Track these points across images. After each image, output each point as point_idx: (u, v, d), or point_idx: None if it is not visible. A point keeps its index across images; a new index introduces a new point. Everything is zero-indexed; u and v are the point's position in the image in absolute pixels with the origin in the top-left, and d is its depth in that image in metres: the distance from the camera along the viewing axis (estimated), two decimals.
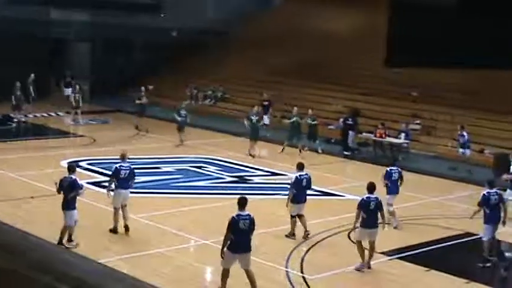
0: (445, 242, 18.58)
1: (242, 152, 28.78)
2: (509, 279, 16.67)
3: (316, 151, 29.58)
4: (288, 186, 23.51)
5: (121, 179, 17.55)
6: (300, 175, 18.09)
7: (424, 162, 28.51)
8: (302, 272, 15.76)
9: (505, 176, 21.82)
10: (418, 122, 32.43)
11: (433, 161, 29.24)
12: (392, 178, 19.18)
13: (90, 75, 43.01)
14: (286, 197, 18.27)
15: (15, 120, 34.44)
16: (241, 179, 25.01)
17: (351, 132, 30.35)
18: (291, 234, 17.96)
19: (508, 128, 29.24)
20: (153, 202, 20.78)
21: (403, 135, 30.06)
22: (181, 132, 29.97)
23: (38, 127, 34.26)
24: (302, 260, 16.56)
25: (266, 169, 26.37)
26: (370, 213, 15.85)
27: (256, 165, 26.96)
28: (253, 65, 42.92)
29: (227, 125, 35.55)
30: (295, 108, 30.29)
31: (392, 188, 19.14)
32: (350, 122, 30.57)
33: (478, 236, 18.30)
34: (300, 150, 28.85)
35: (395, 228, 18.91)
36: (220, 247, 13.84)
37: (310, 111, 30.19)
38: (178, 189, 23.18)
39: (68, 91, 39.97)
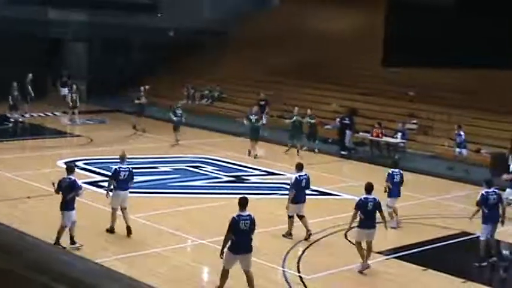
0: (442, 242, 18.59)
1: (239, 152, 28.78)
2: (508, 279, 16.65)
3: (313, 151, 29.60)
4: (285, 186, 23.78)
5: (120, 181, 17.49)
6: (299, 175, 18.07)
7: (421, 162, 28.53)
8: (299, 272, 15.76)
9: (505, 176, 21.83)
10: (414, 121, 32.46)
11: (430, 160, 29.27)
12: (394, 180, 19.15)
13: (87, 75, 42.99)
14: (282, 196, 18.26)
15: (12, 120, 34.40)
16: (238, 179, 25.01)
17: (348, 132, 30.36)
18: (288, 234, 17.96)
19: (505, 127, 29.27)
20: (150, 202, 20.77)
21: (399, 134, 30.07)
22: (177, 131, 29.94)
23: (34, 127, 34.22)
24: (299, 259, 16.57)
25: (263, 169, 26.37)
26: (368, 214, 15.82)
27: (254, 165, 26.95)
28: (250, 64, 42.92)
29: (224, 125, 35.56)
30: (296, 108, 30.22)
31: (394, 190, 19.11)
32: (347, 121, 30.57)
33: (475, 236, 18.34)
34: (298, 151, 28.84)
35: (393, 228, 18.88)
36: (217, 246, 13.81)
37: (308, 111, 30.19)
38: (176, 188, 23.18)
39: (65, 91, 40.04)
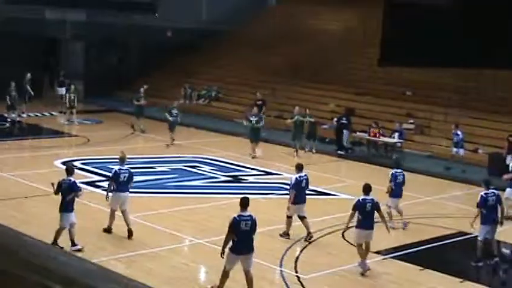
0: (439, 241, 18.60)
1: (237, 152, 28.79)
2: (506, 279, 16.66)
3: (311, 150, 29.59)
4: (283, 185, 23.78)
5: (120, 183, 17.40)
6: (299, 176, 18.03)
7: (418, 162, 28.52)
8: (296, 272, 15.77)
9: (506, 176, 21.85)
10: (411, 121, 32.47)
11: (427, 160, 29.28)
12: (397, 181, 19.09)
13: (84, 75, 42.96)
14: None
15: (9, 120, 34.37)
16: (236, 179, 25.00)
17: (345, 132, 30.37)
18: (285, 234, 17.95)
19: (502, 127, 29.28)
20: (147, 202, 20.76)
21: (396, 134, 30.08)
22: (173, 132, 29.86)
23: (32, 127, 34.20)
24: (296, 259, 16.57)
25: (261, 168, 26.37)
26: (366, 215, 15.79)
27: (251, 164, 26.95)
28: (247, 64, 42.91)
29: (221, 125, 35.57)
30: (297, 107, 30.15)
31: (396, 191, 19.03)
32: (344, 121, 30.58)
33: (473, 235, 18.35)
34: (297, 151, 28.81)
35: (391, 228, 18.83)
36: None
37: (307, 110, 30.17)
38: (173, 188, 23.17)
39: (62, 90, 39.96)
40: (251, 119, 28.76)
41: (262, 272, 14.88)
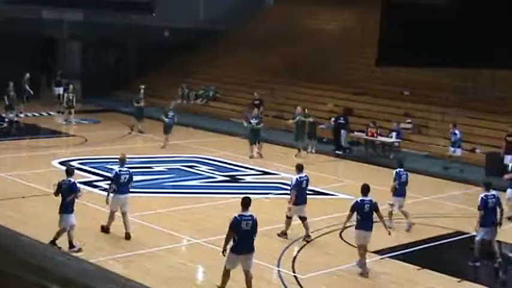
0: (437, 241, 18.61)
1: (234, 152, 28.80)
2: (504, 278, 16.64)
3: (311, 151, 29.57)
4: (280, 185, 23.79)
5: (121, 184, 17.32)
6: (300, 177, 17.99)
7: (416, 161, 28.52)
8: (294, 272, 15.76)
9: (506, 176, 21.86)
10: (409, 121, 32.48)
11: (425, 160, 29.29)
12: (401, 180, 19.03)
13: (81, 75, 42.94)
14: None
15: (7, 120, 34.36)
16: (233, 179, 24.99)
17: (343, 131, 30.37)
18: (283, 234, 17.93)
19: (500, 127, 29.29)
20: (145, 202, 20.73)
21: (394, 134, 30.10)
22: (167, 134, 29.65)
23: (29, 127, 34.17)
24: (294, 259, 16.57)
25: (258, 168, 26.37)
26: (365, 216, 15.76)
27: (249, 164, 26.95)
28: (245, 64, 42.91)
29: (219, 125, 35.58)
30: (299, 107, 30.06)
31: (400, 190, 18.98)
32: (342, 121, 30.59)
33: (470, 235, 18.38)
34: (299, 151, 28.78)
35: (390, 228, 18.81)
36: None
37: (306, 110, 30.12)
38: (170, 188, 23.15)
39: (59, 90, 39.96)
40: (251, 121, 28.64)
41: (260, 271, 14.87)
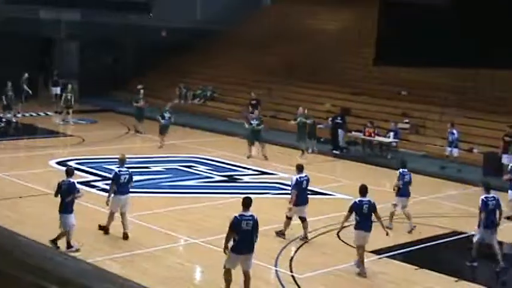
0: (434, 241, 18.61)
1: (232, 151, 28.78)
2: (501, 278, 16.63)
3: (313, 151, 29.50)
4: (278, 185, 23.79)
5: (120, 184, 17.24)
6: (300, 177, 17.90)
7: (413, 161, 28.48)
8: (291, 271, 15.76)
9: (506, 177, 21.86)
10: (407, 121, 32.49)
11: (422, 159, 29.28)
12: (405, 180, 18.95)
13: (79, 75, 42.91)
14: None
15: (4, 120, 34.34)
16: (231, 179, 24.98)
17: (340, 131, 30.38)
18: (281, 234, 17.89)
19: (497, 127, 29.31)
20: (142, 202, 20.69)
21: (391, 134, 30.10)
22: (163, 135, 29.54)
23: (27, 127, 34.14)
24: (291, 259, 16.56)
25: (256, 168, 26.36)
26: (363, 217, 15.71)
27: (246, 164, 26.94)
28: (242, 64, 42.91)
29: (217, 125, 35.57)
30: (300, 108, 29.96)
31: (404, 190, 18.91)
32: (339, 120, 30.59)
33: (467, 235, 18.40)
34: (303, 151, 28.74)
35: (389, 228, 18.75)
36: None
37: (305, 110, 30.01)
38: (168, 188, 23.13)
39: (56, 90, 39.94)
40: (252, 122, 28.50)
41: (257, 271, 14.85)
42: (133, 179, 17.83)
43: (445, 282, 15.66)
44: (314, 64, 40.14)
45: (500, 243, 17.22)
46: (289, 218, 17.89)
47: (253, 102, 34.68)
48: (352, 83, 37.53)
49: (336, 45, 41.50)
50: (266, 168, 26.35)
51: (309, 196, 18.30)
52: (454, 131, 27.20)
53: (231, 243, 13.69)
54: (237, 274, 14.02)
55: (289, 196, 18.12)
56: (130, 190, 17.72)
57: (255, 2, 51.15)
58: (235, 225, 13.56)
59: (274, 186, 23.74)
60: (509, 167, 22.00)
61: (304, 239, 17.81)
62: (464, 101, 32.70)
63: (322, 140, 31.42)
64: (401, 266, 16.59)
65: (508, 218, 19.89)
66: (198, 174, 25.26)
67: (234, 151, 28.85)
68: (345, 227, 16.50)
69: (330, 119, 31.09)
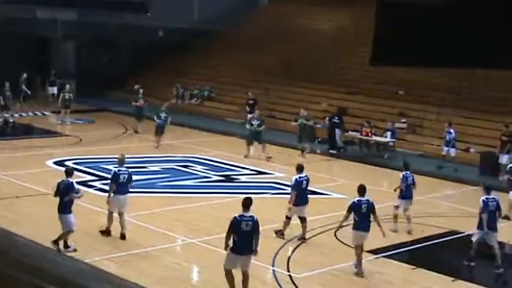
0: (432, 240, 18.62)
1: (229, 151, 28.79)
2: (498, 277, 16.63)
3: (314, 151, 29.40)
4: (275, 185, 23.80)
5: (120, 184, 17.21)
6: (299, 177, 17.88)
7: (410, 161, 28.39)
8: (288, 271, 15.76)
9: (505, 177, 21.88)
10: (404, 120, 32.52)
11: (419, 159, 29.29)
12: (408, 182, 18.85)
13: (75, 75, 42.88)
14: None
15: (1, 120, 34.30)
16: (228, 178, 24.98)
17: (337, 131, 30.38)
18: (281, 234, 17.87)
19: (494, 126, 29.35)
20: (139, 201, 20.67)
21: (389, 133, 30.12)
22: (159, 135, 29.44)
23: (24, 127, 34.13)
24: (289, 258, 16.57)
25: (253, 168, 26.36)
26: (362, 216, 15.69)
27: (244, 164, 26.93)
28: (239, 64, 42.92)
29: (214, 124, 35.57)
30: (302, 110, 29.72)
31: (407, 192, 18.83)
32: (336, 120, 30.60)
33: (465, 234, 18.42)
34: (303, 151, 28.74)
35: (393, 231, 18.76)
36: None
37: (305, 111, 29.86)
38: (165, 188, 23.12)
39: (53, 90, 39.90)
40: (253, 122, 28.40)
41: (255, 271, 14.85)
42: (133, 179, 17.77)
43: (442, 282, 15.67)
44: (311, 64, 40.17)
45: (501, 243, 17.24)
46: (288, 218, 17.88)
47: (251, 102, 34.67)
48: (349, 82, 37.55)
49: (332, 45, 41.53)
50: (263, 168, 26.35)
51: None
52: (452, 131, 27.23)
53: (231, 242, 13.66)
54: (235, 273, 14.01)
55: (288, 196, 18.12)
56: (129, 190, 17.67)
57: (252, 2, 51.16)
58: (235, 226, 13.54)
59: (271, 186, 23.74)
60: (508, 167, 21.99)
61: (302, 239, 17.82)
62: (460, 101, 32.76)
63: (319, 139, 31.41)
64: (398, 266, 16.61)
65: (505, 217, 19.90)
66: (195, 174, 25.26)
67: (231, 151, 28.86)
68: (342, 226, 16.51)
69: (327, 118, 31.09)
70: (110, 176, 17.69)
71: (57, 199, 16.20)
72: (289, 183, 18.85)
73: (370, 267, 16.09)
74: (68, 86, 35.78)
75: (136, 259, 16.10)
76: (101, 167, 24.94)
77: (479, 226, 16.56)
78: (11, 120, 34.72)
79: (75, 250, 16.01)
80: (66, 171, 16.67)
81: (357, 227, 15.79)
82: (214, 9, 47.14)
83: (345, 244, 17.18)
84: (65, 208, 16.04)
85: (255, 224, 13.64)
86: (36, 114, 37.24)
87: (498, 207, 16.80)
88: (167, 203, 20.89)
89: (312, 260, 16.67)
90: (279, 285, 15.01)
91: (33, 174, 23.63)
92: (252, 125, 28.35)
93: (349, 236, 16.25)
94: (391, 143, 30.00)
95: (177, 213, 20.02)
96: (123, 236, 17.14)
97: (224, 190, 23.09)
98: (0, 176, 23.15)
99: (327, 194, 23.02)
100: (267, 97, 38.01)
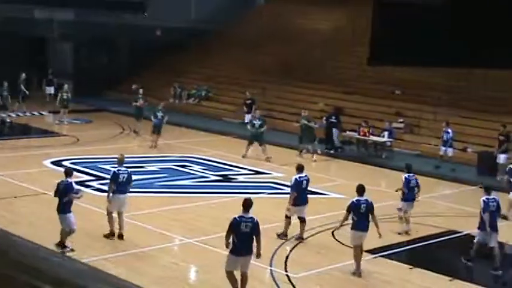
0: (429, 240, 18.63)
1: (227, 151, 28.79)
2: (496, 277, 16.64)
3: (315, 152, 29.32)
4: (273, 185, 23.80)
5: (120, 183, 17.19)
6: (299, 177, 17.83)
7: (408, 161, 28.44)
8: (286, 271, 15.76)
9: (505, 177, 21.89)
10: (401, 120, 32.54)
11: (417, 159, 29.30)
12: (410, 185, 18.72)
13: (73, 74, 42.86)
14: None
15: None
16: (226, 178, 24.97)
17: (334, 130, 30.39)
18: (283, 235, 17.83)
19: (492, 126, 29.38)
20: (137, 201, 20.66)
21: (386, 133, 30.13)
22: (155, 134, 29.36)
23: (21, 126, 34.11)
24: (286, 258, 16.57)
25: (250, 168, 26.36)
26: (360, 216, 15.67)
27: (241, 164, 26.93)
28: (237, 64, 42.93)
29: (211, 124, 35.57)
30: (304, 111, 29.50)
31: (409, 195, 18.72)
32: (333, 120, 30.60)
33: (462, 234, 18.44)
34: (301, 152, 28.73)
35: (406, 233, 18.71)
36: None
37: (306, 112, 29.78)
38: (163, 188, 23.11)
39: (50, 90, 39.87)
40: (254, 122, 28.26)
41: (252, 271, 14.85)
42: (132, 179, 17.75)
43: (439, 282, 15.69)
44: (308, 63, 40.18)
45: (500, 243, 17.23)
46: (288, 218, 17.87)
47: (248, 102, 34.67)
48: (346, 82, 37.57)
49: (329, 45, 41.55)
50: (261, 168, 26.35)
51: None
52: (449, 130, 27.25)
53: (230, 240, 13.65)
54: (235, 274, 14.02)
55: (286, 196, 18.10)
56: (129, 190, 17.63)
57: (249, 2, 51.18)
58: (234, 227, 13.52)
59: (269, 186, 23.75)
60: (508, 168, 21.98)
61: (300, 238, 17.81)
62: (457, 101, 32.78)
63: (316, 139, 31.41)
64: (396, 266, 16.61)
65: (503, 217, 19.91)
66: (193, 173, 25.26)
67: (228, 151, 28.86)
68: (342, 225, 16.47)
69: (324, 118, 31.09)
70: (108, 176, 17.67)
71: (55, 199, 16.20)
72: (286, 183, 18.87)
73: (367, 267, 16.09)
74: (65, 86, 35.76)
75: (133, 259, 16.10)
76: (98, 167, 24.93)
77: (481, 227, 16.52)
78: (8, 120, 34.71)
79: (72, 250, 16.01)
80: (65, 172, 16.66)
81: (355, 227, 15.77)
82: (212, 8, 47.16)
83: (343, 244, 17.19)
84: (64, 208, 16.03)
85: (255, 225, 13.60)
86: (33, 114, 37.22)
87: (498, 207, 16.81)
88: (164, 203, 20.89)
89: (309, 259, 16.67)
90: (277, 285, 15.02)
91: (30, 174, 23.61)
92: (253, 125, 28.21)
93: (347, 236, 16.25)
94: (389, 143, 30.01)
95: (174, 213, 20.01)
96: (120, 236, 17.13)
97: (222, 190, 23.09)
98: None
99: (324, 194, 23.02)
100: (264, 97, 38.01)
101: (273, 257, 16.47)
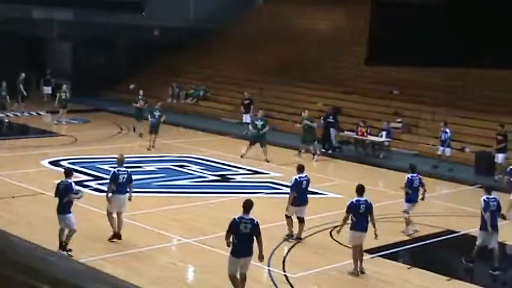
0: (427, 240, 18.64)
1: (225, 151, 28.78)
2: (495, 277, 16.64)
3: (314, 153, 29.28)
4: (271, 185, 23.81)
5: (119, 184, 17.15)
6: (299, 177, 17.83)
7: (406, 160, 28.51)
8: (284, 271, 15.77)
9: (506, 178, 21.89)
10: (399, 120, 32.54)
11: (414, 159, 29.27)
12: (414, 185, 18.62)
13: (71, 74, 42.84)
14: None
15: None
16: (224, 178, 24.98)
17: (332, 130, 30.39)
18: (289, 236, 17.80)
19: (489, 126, 29.39)
20: (135, 201, 20.56)
21: (384, 133, 30.13)
22: (153, 134, 29.21)
23: (19, 126, 34.10)
24: (284, 258, 16.57)
25: (249, 168, 26.36)
26: (359, 217, 15.66)
27: (239, 164, 26.93)
28: (235, 64, 42.91)
29: (209, 124, 35.57)
30: (306, 112, 29.45)
31: (413, 195, 18.63)
32: (331, 119, 30.59)
33: (460, 234, 18.45)
34: (300, 152, 28.71)
35: (410, 235, 18.71)
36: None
37: (306, 112, 29.74)
38: (161, 188, 23.11)
39: (48, 89, 39.83)
40: (256, 123, 28.10)
41: (250, 271, 14.84)
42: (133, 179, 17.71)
43: (437, 281, 15.70)
44: (306, 63, 40.18)
45: (500, 243, 17.20)
46: (288, 217, 17.85)
47: (246, 102, 34.65)
48: (344, 82, 37.56)
49: (328, 45, 41.53)
50: (259, 168, 26.35)
51: None
52: (447, 130, 27.26)
53: (231, 240, 13.64)
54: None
55: (285, 196, 18.09)
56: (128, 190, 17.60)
57: (248, 2, 51.14)
58: (234, 227, 13.50)
59: (267, 186, 23.75)
60: (509, 168, 21.95)
61: (298, 238, 17.82)
62: (455, 101, 32.80)
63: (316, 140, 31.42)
64: (394, 265, 16.62)
65: (502, 217, 19.92)
66: (191, 173, 25.25)
67: (226, 150, 28.86)
68: (342, 226, 16.46)
69: (322, 118, 31.08)
70: (106, 176, 17.66)
71: (53, 199, 16.20)
72: (285, 183, 18.87)
73: (366, 267, 16.08)
74: (64, 86, 35.74)
75: (131, 259, 16.10)
76: (96, 167, 24.92)
77: (482, 227, 16.48)
78: (6, 120, 34.70)
79: (70, 250, 15.99)
80: (65, 172, 16.66)
81: (354, 227, 15.76)
82: (210, 8, 47.12)
83: (341, 244, 17.19)
84: (64, 209, 16.01)
85: (255, 226, 13.57)
86: (31, 114, 37.20)
87: (499, 207, 16.81)
88: (163, 203, 20.88)
89: (307, 259, 16.68)
90: (275, 285, 15.02)
91: (28, 174, 23.60)
92: (255, 126, 28.07)
93: (345, 236, 16.25)
94: (387, 143, 30.00)
95: (172, 213, 20.01)
96: (118, 237, 17.10)
97: (220, 190, 23.10)
98: None
99: (322, 194, 23.02)
100: (261, 97, 37.99)
101: (270, 257, 16.45)
